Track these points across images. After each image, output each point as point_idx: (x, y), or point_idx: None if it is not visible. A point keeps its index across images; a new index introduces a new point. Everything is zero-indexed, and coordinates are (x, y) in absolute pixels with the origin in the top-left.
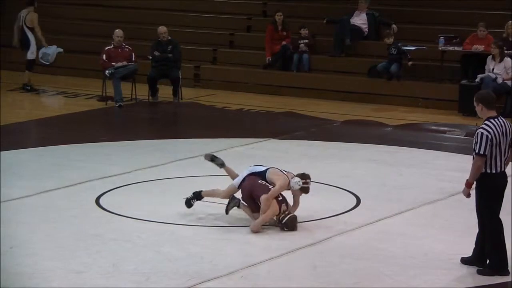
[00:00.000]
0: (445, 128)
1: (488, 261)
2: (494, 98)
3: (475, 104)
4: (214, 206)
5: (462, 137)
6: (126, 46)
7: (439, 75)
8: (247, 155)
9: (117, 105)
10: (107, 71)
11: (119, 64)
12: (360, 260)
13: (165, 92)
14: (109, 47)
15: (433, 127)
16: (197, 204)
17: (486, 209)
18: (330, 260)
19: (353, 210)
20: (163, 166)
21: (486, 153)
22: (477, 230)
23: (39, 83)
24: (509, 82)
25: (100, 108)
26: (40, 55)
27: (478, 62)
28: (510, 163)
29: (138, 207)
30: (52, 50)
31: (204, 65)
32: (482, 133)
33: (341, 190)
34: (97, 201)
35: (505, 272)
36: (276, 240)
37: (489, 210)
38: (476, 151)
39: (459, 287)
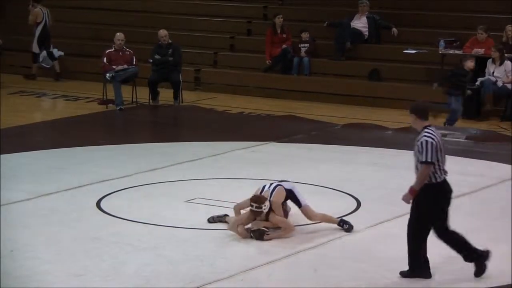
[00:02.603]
0: (446, 131)
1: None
2: (428, 107)
3: (409, 114)
4: (214, 209)
5: (462, 140)
6: (127, 49)
7: (439, 79)
8: (247, 158)
9: (117, 109)
10: (107, 74)
11: (120, 67)
12: (360, 263)
13: (165, 95)
14: (110, 50)
15: None
16: (197, 207)
17: (429, 215)
18: (330, 263)
19: (353, 213)
20: (163, 169)
21: (434, 161)
22: (477, 234)
23: (40, 87)
24: (509, 85)
25: (101, 111)
26: (41, 59)
27: (478, 65)
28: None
29: (138, 210)
30: (53, 54)
31: (204, 69)
32: (427, 141)
33: (342, 193)
34: (97, 204)
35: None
36: (277, 243)
37: (432, 216)
38: (423, 160)
39: None
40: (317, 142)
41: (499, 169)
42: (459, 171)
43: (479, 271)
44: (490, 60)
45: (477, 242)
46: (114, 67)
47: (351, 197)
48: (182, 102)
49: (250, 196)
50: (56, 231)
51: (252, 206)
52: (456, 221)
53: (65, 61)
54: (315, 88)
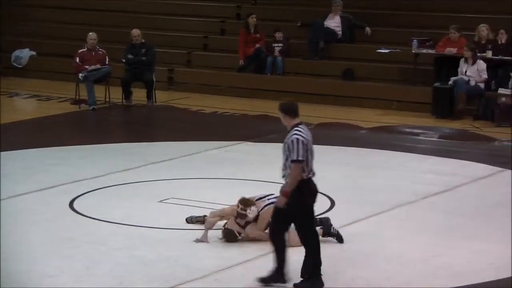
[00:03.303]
0: (419, 131)
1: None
2: (297, 106)
3: (278, 112)
4: (188, 209)
5: (435, 139)
6: (100, 49)
7: (412, 78)
8: (221, 158)
9: (90, 108)
10: (80, 74)
11: (93, 67)
12: (334, 262)
13: (139, 95)
14: (83, 50)
15: (407, 130)
16: (171, 207)
17: (305, 215)
18: None
19: (327, 213)
20: (136, 169)
21: (303, 159)
22: (451, 232)
23: (12, 87)
24: (481, 85)
25: (74, 111)
26: (12, 58)
27: (451, 64)
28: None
29: (111, 210)
30: (25, 53)
31: (178, 68)
32: (297, 139)
33: None
34: (70, 204)
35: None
36: (251, 243)
37: (308, 216)
38: (294, 158)
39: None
40: None
41: (472, 168)
42: (432, 170)
43: (268, 279)
44: (462, 60)
45: (451, 240)
46: (86, 67)
47: (325, 197)
48: (155, 102)
49: (223, 196)
50: (29, 231)
51: (238, 206)
52: (430, 219)
53: (37, 61)
54: (289, 87)
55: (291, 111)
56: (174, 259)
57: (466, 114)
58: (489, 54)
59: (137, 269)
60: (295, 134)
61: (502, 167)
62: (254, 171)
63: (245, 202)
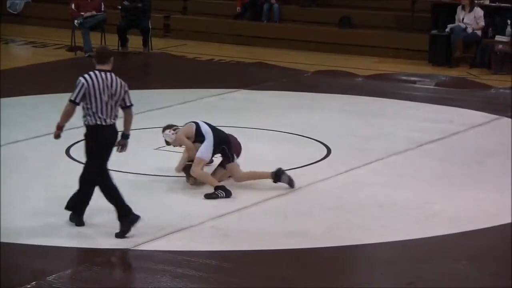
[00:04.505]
0: (415, 78)
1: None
2: (106, 53)
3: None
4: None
5: (432, 87)
6: None
7: (409, 25)
8: (217, 105)
9: (86, 55)
10: (76, 21)
11: (88, 14)
12: (330, 209)
13: (135, 42)
14: None
15: (404, 77)
16: (167, 154)
17: (93, 160)
18: (300, 210)
19: (323, 160)
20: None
21: (77, 101)
22: (446, 180)
23: (7, 33)
24: (479, 32)
25: (69, 58)
26: (8, 5)
27: (448, 12)
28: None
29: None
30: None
31: (174, 15)
32: (80, 81)
33: (312, 140)
34: (67, 151)
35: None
36: (246, 191)
37: (97, 161)
38: (71, 98)
39: (429, 235)
40: (287, 89)
41: (469, 115)
42: (429, 118)
43: (125, 230)
44: (460, 7)
45: (446, 187)
46: (82, 13)
47: (321, 144)
48: (151, 49)
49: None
50: (25, 178)
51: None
52: (426, 167)
53: (32, 7)
54: (285, 35)
55: (95, 57)
56: (171, 206)
57: (463, 62)
58: (486, 1)
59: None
60: (82, 76)
61: (498, 115)
62: (250, 119)
63: (165, 127)
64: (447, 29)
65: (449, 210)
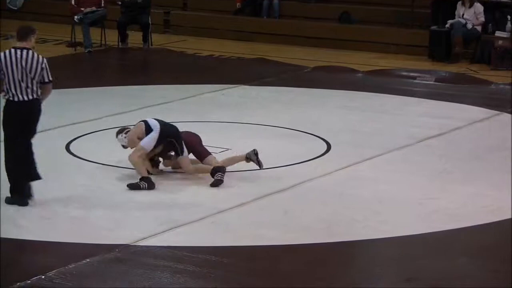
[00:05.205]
0: (415, 74)
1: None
2: (26, 30)
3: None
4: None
5: (432, 82)
6: None
7: (409, 21)
8: (217, 101)
9: (86, 51)
10: (76, 17)
11: (88, 9)
12: (330, 205)
13: (135, 38)
14: None
15: (404, 73)
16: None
17: (12, 134)
18: (300, 206)
19: (323, 156)
20: (133, 112)
21: None
22: (446, 176)
23: (7, 29)
24: (478, 28)
25: (69, 54)
26: (8, 0)
27: (448, 7)
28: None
29: (108, 153)
30: None
31: (174, 11)
32: None
33: (312, 136)
34: (67, 147)
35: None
36: (247, 186)
37: (11, 135)
38: None
39: (429, 231)
40: (287, 85)
41: (468, 111)
42: (429, 114)
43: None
44: (460, 3)
45: (446, 183)
46: (82, 9)
47: (321, 140)
48: (151, 45)
49: (218, 139)
50: None
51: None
52: (426, 162)
53: (32, 3)
54: (285, 31)
55: (18, 34)
56: (171, 202)
57: (462, 57)
58: None
59: (134, 211)
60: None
61: (498, 110)
62: (250, 115)
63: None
64: (447, 25)
65: (449, 206)
